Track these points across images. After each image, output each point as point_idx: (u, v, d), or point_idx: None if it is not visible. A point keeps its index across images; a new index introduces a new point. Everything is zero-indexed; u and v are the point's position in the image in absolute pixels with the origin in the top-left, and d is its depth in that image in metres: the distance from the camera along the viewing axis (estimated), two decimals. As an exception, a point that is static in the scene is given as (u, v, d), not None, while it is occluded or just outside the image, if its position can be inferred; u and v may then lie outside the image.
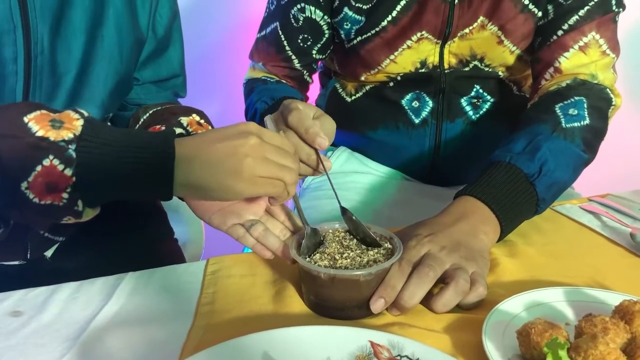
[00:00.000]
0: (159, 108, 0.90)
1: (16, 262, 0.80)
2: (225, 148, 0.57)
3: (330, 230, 0.69)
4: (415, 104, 1.01)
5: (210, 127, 0.87)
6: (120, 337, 0.60)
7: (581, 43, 0.90)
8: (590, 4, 0.89)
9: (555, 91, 0.89)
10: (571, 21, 0.90)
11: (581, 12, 0.90)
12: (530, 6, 0.92)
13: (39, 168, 0.55)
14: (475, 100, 1.01)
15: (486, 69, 0.99)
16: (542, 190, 0.76)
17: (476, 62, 0.98)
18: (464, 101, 1.01)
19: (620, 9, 0.91)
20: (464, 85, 1.00)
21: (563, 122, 0.82)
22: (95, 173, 0.56)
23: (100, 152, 0.56)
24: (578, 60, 0.90)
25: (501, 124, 1.00)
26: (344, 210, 0.68)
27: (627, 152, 1.80)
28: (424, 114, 1.01)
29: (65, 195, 0.56)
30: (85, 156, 0.55)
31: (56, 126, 0.56)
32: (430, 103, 1.01)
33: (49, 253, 0.82)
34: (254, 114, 0.94)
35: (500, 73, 1.00)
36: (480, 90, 1.00)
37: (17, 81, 0.74)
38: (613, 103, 0.89)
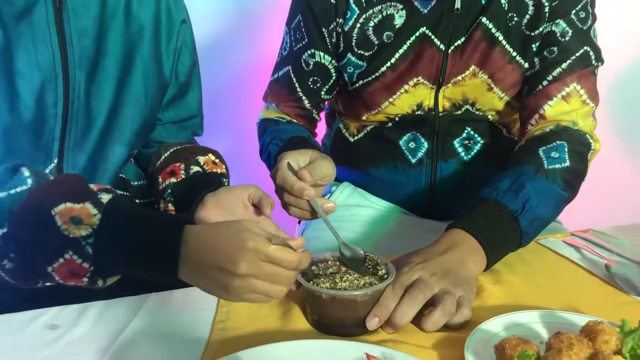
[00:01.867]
0: (178, 147, 0.99)
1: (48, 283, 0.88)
2: (216, 271, 0.60)
3: (332, 257, 0.77)
4: (412, 145, 1.10)
5: (223, 166, 0.96)
6: (145, 350, 0.68)
7: (564, 93, 0.99)
8: (572, 58, 0.99)
9: (540, 136, 0.97)
10: (555, 73, 0.99)
11: (564, 65, 0.99)
12: (518, 58, 1.01)
13: (61, 260, 0.63)
14: (467, 142, 1.09)
15: (477, 112, 1.07)
16: (526, 224, 0.84)
17: (468, 106, 1.07)
18: (456, 143, 1.09)
19: (599, 63, 1.01)
20: (457, 127, 1.09)
21: (545, 163, 0.91)
22: (109, 263, 0.64)
23: (114, 247, 0.64)
24: (561, 108, 0.99)
25: (491, 163, 1.08)
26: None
27: (616, 190, 1.89)
28: (419, 154, 1.10)
29: (85, 279, 0.65)
30: (100, 251, 0.63)
31: (75, 221, 0.63)
32: (426, 144, 1.09)
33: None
34: (268, 156, 1.02)
35: (490, 117, 1.08)
36: (472, 132, 1.09)
37: (56, 123, 0.84)
38: (592, 148, 0.98)
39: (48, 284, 0.67)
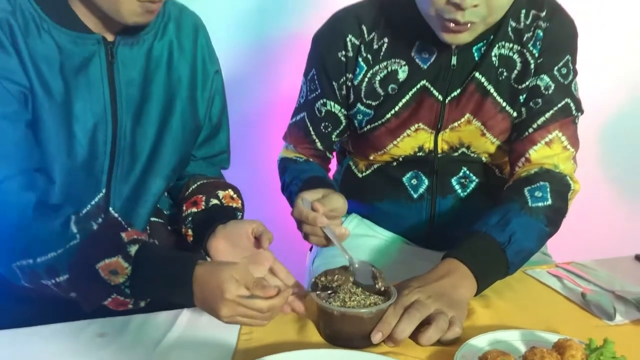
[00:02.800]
0: (204, 181, 1.12)
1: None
2: (210, 309, 0.78)
3: (338, 272, 0.88)
4: (414, 181, 1.23)
5: (240, 202, 1.10)
6: (181, 356, 0.80)
7: (547, 139, 1.11)
8: (555, 108, 1.11)
9: (525, 177, 1.09)
10: (539, 121, 1.12)
11: (547, 115, 1.12)
12: (507, 108, 1.14)
13: (109, 299, 0.82)
14: (463, 180, 1.22)
15: (472, 155, 1.20)
16: (511, 255, 0.96)
17: (464, 149, 1.19)
18: (454, 181, 1.22)
19: (579, 113, 1.14)
20: (454, 167, 1.21)
21: (530, 202, 1.03)
22: (145, 295, 0.83)
23: (145, 286, 0.81)
24: (544, 152, 1.11)
25: (485, 200, 1.19)
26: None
27: (601, 227, 2.01)
28: (420, 190, 1.22)
29: (130, 306, 0.83)
30: (136, 290, 0.81)
31: (113, 273, 0.80)
32: (426, 181, 1.22)
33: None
34: (290, 194, 1.15)
35: (483, 158, 1.21)
36: (467, 172, 1.21)
37: (105, 159, 0.97)
38: (572, 188, 1.10)
39: None
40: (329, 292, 0.86)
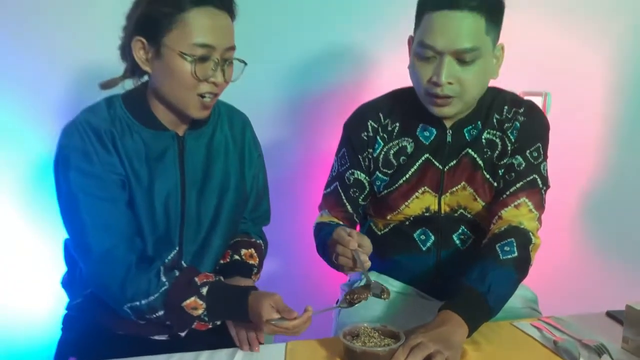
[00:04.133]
0: (238, 239, 1.40)
1: (164, 337, 1.27)
2: (256, 323, 1.12)
3: (363, 327, 1.14)
4: (422, 237, 1.47)
5: (257, 260, 1.39)
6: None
7: (516, 203, 1.36)
8: (524, 181, 1.37)
9: (498, 233, 1.33)
10: (511, 189, 1.38)
11: (517, 185, 1.38)
12: (491, 179, 1.41)
13: (194, 324, 1.16)
14: (462, 237, 1.46)
15: (468, 215, 1.44)
16: (491, 301, 1.20)
17: (462, 210, 1.44)
18: (455, 237, 1.46)
19: (545, 187, 1.39)
20: (455, 226, 1.46)
21: (500, 255, 1.27)
22: (217, 320, 1.16)
23: (216, 315, 1.15)
24: (512, 213, 1.36)
25: (480, 253, 1.44)
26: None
27: (581, 288, 2.23)
28: (428, 244, 1.47)
29: (210, 325, 1.17)
30: (211, 317, 1.15)
31: (194, 308, 1.13)
32: (432, 237, 1.46)
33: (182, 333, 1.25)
34: (324, 248, 1.37)
35: (477, 219, 1.45)
36: (466, 230, 1.46)
37: (177, 224, 1.24)
38: (533, 242, 1.33)
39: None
40: (353, 335, 1.11)
